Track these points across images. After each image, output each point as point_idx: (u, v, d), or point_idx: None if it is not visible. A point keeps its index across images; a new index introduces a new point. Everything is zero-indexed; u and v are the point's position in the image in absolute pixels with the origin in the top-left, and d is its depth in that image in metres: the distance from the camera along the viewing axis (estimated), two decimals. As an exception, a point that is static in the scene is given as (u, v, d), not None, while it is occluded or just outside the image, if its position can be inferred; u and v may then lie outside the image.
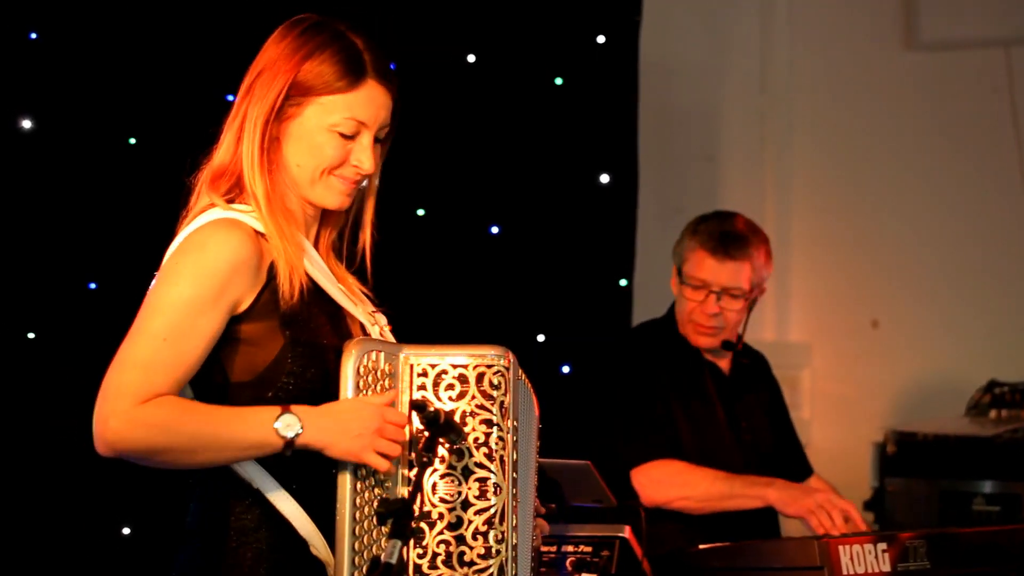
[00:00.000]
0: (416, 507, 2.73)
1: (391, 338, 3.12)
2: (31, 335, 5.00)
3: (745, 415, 4.76)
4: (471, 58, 5.64)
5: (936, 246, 6.66)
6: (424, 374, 2.92)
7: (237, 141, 3.06)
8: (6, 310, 4.99)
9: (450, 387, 2.91)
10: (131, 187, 5.10)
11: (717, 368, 4.76)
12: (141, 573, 5.07)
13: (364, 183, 3.13)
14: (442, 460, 2.90)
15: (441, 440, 2.87)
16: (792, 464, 4.87)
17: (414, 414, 2.88)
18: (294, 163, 3.05)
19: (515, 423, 2.95)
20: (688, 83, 6.84)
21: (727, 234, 4.60)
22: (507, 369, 2.92)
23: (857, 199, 6.79)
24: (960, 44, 6.67)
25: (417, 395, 2.91)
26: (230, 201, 3.04)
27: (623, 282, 5.83)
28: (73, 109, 5.05)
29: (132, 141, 5.12)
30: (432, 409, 2.84)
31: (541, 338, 5.62)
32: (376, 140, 3.08)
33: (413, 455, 2.89)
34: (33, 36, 5.02)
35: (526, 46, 5.72)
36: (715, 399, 4.71)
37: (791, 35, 6.88)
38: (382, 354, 2.91)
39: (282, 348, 2.94)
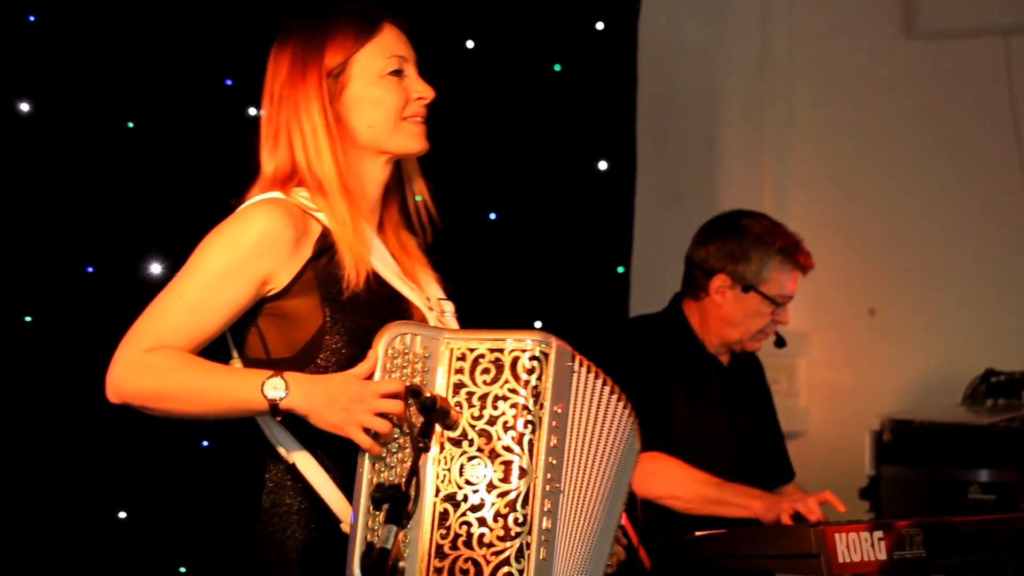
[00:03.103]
0: (412, 492, 2.73)
1: (453, 324, 3.18)
2: (28, 318, 4.99)
3: (741, 410, 4.80)
4: (469, 44, 5.62)
5: (934, 235, 6.66)
6: (463, 358, 2.95)
7: (289, 147, 3.11)
8: (3, 293, 4.98)
9: (485, 371, 2.94)
10: (129, 171, 5.09)
11: (718, 361, 4.80)
12: (137, 557, 5.07)
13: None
14: (471, 443, 2.93)
15: (437, 425, 2.89)
16: (777, 466, 4.90)
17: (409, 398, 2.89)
18: (365, 127, 3.13)
19: (557, 409, 2.95)
20: (687, 70, 6.83)
21: (803, 249, 4.76)
22: (544, 355, 2.94)
23: (855, 187, 6.79)
24: (959, 33, 6.67)
25: (455, 379, 2.94)
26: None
27: (620, 269, 5.82)
28: (71, 92, 5.04)
29: (130, 125, 5.11)
30: (427, 395, 2.85)
31: (538, 324, 5.61)
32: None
33: (457, 434, 2.93)
34: (31, 19, 5.01)
35: (525, 32, 5.71)
36: (717, 392, 4.74)
37: (791, 22, 6.88)
38: (419, 338, 2.96)
39: (321, 326, 3.00)
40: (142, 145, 5.10)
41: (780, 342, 4.84)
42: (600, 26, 5.79)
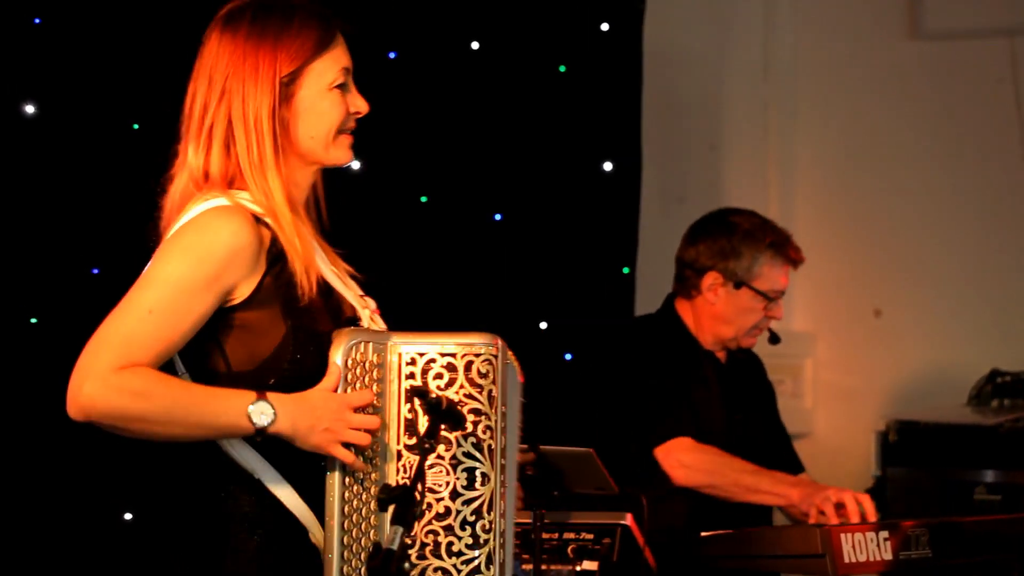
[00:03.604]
0: (418, 494, 2.72)
1: (380, 322, 3.12)
2: (33, 320, 5.00)
3: (740, 407, 4.81)
4: (475, 45, 5.63)
5: (939, 236, 6.66)
6: (413, 363, 2.91)
7: (227, 145, 3.04)
8: (8, 295, 4.99)
9: (439, 376, 2.90)
10: (134, 173, 5.08)
11: (715, 359, 4.81)
12: (143, 559, 5.07)
13: None
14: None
15: (443, 426, 2.87)
16: (785, 462, 4.90)
17: (415, 400, 2.88)
18: (307, 137, 3.07)
19: (504, 410, 2.93)
20: (692, 71, 6.83)
21: (793, 244, 4.76)
22: (495, 357, 2.91)
23: (860, 188, 6.78)
24: (964, 34, 6.67)
25: (406, 384, 2.90)
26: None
27: (626, 270, 5.83)
28: (76, 94, 5.05)
29: (136, 127, 5.11)
30: (433, 396, 2.84)
31: (543, 325, 5.62)
32: None
33: (414, 441, 2.89)
34: (37, 21, 5.02)
35: (530, 33, 5.72)
36: (716, 391, 4.75)
37: (795, 24, 6.87)
38: (370, 345, 2.92)
39: (284, 335, 2.95)
40: (147, 147, 5.10)
41: (774, 338, 4.83)
42: (605, 28, 5.80)
